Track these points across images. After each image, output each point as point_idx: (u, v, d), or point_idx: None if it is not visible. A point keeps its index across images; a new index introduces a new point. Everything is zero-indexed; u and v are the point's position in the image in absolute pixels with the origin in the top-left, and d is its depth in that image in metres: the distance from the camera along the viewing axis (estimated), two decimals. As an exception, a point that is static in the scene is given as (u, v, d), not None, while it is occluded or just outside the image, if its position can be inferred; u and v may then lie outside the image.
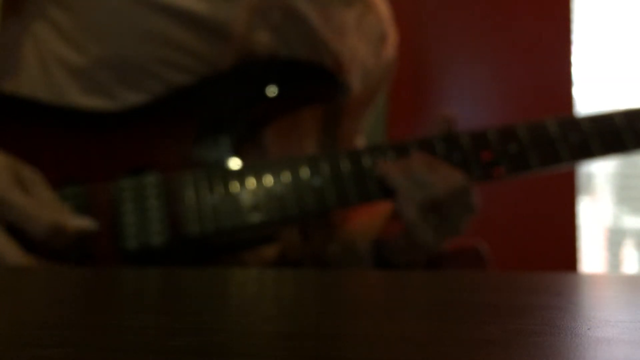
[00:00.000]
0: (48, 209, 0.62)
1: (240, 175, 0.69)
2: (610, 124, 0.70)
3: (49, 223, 0.61)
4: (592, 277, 0.53)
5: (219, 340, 0.23)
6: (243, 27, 0.73)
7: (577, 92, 1.51)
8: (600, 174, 2.11)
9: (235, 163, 0.70)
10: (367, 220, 0.80)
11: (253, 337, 0.24)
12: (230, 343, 0.22)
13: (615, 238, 2.19)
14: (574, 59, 1.53)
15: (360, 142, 0.87)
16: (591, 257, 2.10)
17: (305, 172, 0.69)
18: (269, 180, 0.68)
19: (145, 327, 0.25)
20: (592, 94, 1.86)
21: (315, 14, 0.77)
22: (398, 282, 0.48)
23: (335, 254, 0.81)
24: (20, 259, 0.60)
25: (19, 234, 0.61)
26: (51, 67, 0.74)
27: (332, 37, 0.78)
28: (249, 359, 0.20)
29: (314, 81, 0.76)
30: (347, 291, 0.41)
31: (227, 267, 0.69)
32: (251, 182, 0.68)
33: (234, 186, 0.68)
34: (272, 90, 0.73)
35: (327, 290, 0.41)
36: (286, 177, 0.68)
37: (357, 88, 0.81)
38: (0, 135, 0.69)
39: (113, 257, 0.67)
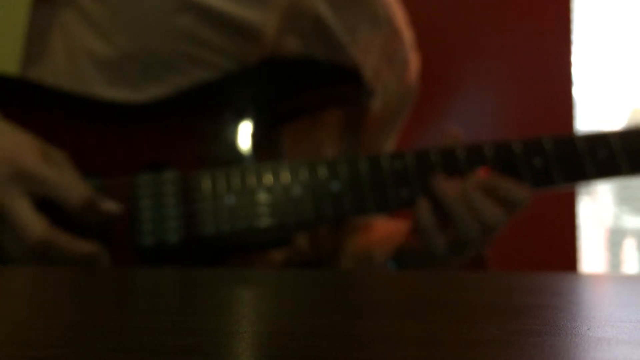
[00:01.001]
0: (80, 184, 0.64)
1: (258, 176, 0.68)
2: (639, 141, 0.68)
3: (82, 195, 0.63)
4: (592, 277, 0.53)
5: (219, 340, 0.23)
6: (273, 30, 0.74)
7: (577, 92, 1.51)
8: (600, 174, 2.11)
9: (253, 163, 0.70)
10: (386, 233, 0.79)
11: (254, 337, 0.24)
12: (230, 343, 0.22)
13: (616, 238, 2.19)
14: (574, 59, 1.53)
15: None
16: (591, 257, 2.10)
17: (323, 176, 0.68)
18: (286, 183, 0.68)
19: (145, 327, 0.25)
20: (595, 94, 1.86)
21: (343, 30, 0.77)
22: (398, 283, 0.48)
23: (349, 264, 0.80)
24: (44, 232, 0.61)
25: (46, 210, 0.63)
26: (78, 56, 0.75)
27: (357, 53, 0.78)
28: (249, 359, 0.20)
29: (337, 82, 0.76)
30: (348, 292, 0.41)
31: (231, 268, 0.69)
32: (269, 183, 0.68)
33: (251, 187, 0.68)
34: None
35: (329, 291, 0.41)
36: (304, 180, 0.68)
37: (377, 105, 0.81)
38: (22, 122, 0.69)
39: (129, 252, 0.67)
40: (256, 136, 0.72)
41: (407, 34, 0.86)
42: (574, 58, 1.53)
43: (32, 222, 0.61)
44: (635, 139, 0.68)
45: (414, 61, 0.86)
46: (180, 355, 0.20)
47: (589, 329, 0.25)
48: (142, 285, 0.45)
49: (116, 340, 0.23)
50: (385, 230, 0.80)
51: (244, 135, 0.71)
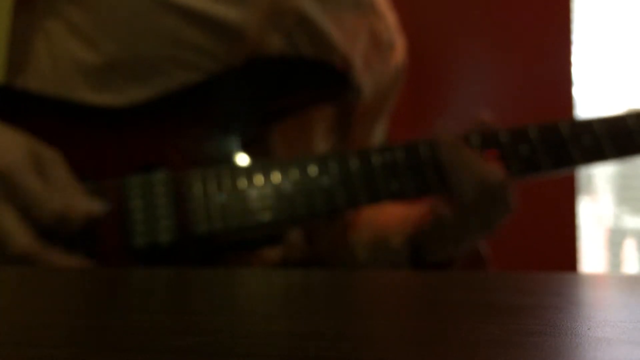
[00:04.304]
0: (59, 193, 0.63)
1: (248, 174, 0.68)
2: (623, 126, 0.69)
3: (55, 209, 0.62)
4: (592, 277, 0.53)
5: (219, 340, 0.23)
6: (256, 29, 0.74)
7: (577, 92, 1.51)
8: (600, 174, 2.11)
9: (243, 162, 0.70)
10: (400, 217, 0.79)
11: (253, 337, 0.24)
12: (230, 343, 0.22)
13: (616, 238, 2.19)
14: (574, 59, 1.53)
15: None
16: (591, 257, 2.10)
17: (314, 172, 0.68)
18: (277, 179, 0.68)
19: (146, 327, 0.25)
20: (592, 93, 1.86)
21: (327, 20, 0.77)
22: (398, 283, 0.48)
23: (366, 255, 0.80)
24: (29, 245, 0.60)
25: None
26: (62, 63, 0.75)
27: (344, 43, 0.78)
28: (249, 359, 0.20)
29: (324, 80, 0.76)
30: (347, 292, 0.41)
31: (230, 267, 0.69)
32: (260, 181, 0.68)
33: (243, 185, 0.68)
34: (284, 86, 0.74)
35: (328, 290, 0.41)
36: (295, 176, 0.68)
37: (368, 94, 0.81)
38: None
39: (121, 254, 0.67)
40: (246, 135, 0.72)
41: (391, 17, 0.86)
42: (574, 58, 1.53)
43: (15, 232, 0.60)
44: (618, 124, 0.69)
45: (400, 44, 0.86)
46: (180, 355, 0.20)
47: (589, 329, 0.25)
48: (140, 285, 0.45)
49: (116, 340, 0.23)
50: (398, 214, 0.80)
51: (234, 134, 0.71)
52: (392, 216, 0.80)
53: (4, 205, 0.61)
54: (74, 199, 0.64)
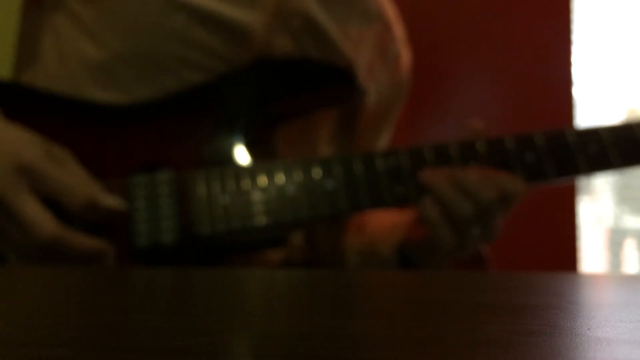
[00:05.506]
0: (83, 183, 0.64)
1: (252, 176, 0.68)
2: (630, 135, 0.68)
3: (85, 196, 0.63)
4: (592, 277, 0.53)
5: (219, 340, 0.23)
6: (263, 30, 0.74)
7: (577, 92, 1.51)
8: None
9: (247, 163, 0.70)
10: (389, 224, 0.79)
11: (253, 337, 0.24)
12: (230, 343, 0.22)
13: (616, 238, 2.19)
14: (574, 59, 1.53)
15: None
16: (591, 257, 2.10)
17: (318, 174, 0.68)
18: (281, 181, 0.68)
19: (146, 327, 0.25)
20: (592, 94, 1.86)
21: (334, 26, 0.77)
22: (397, 283, 0.48)
23: (356, 261, 0.80)
24: (55, 230, 0.61)
25: (53, 207, 0.63)
26: (69, 59, 0.75)
27: (348, 48, 0.78)
28: (249, 359, 0.20)
29: (330, 82, 0.76)
30: (347, 292, 0.41)
31: (230, 268, 0.69)
32: (263, 183, 0.68)
33: (246, 187, 0.68)
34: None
35: (329, 290, 0.41)
36: (299, 179, 0.68)
37: (372, 101, 0.81)
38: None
39: (125, 253, 0.67)
40: (250, 137, 0.72)
41: (399, 29, 0.86)
42: (574, 58, 1.53)
43: (41, 220, 0.61)
44: (625, 133, 0.68)
45: (405, 56, 0.86)
46: (180, 355, 0.20)
47: (589, 329, 0.25)
48: (141, 286, 0.45)
49: (116, 340, 0.23)
50: (388, 222, 0.80)
51: (238, 135, 0.71)
52: (381, 222, 0.81)
53: (27, 195, 0.62)
54: (98, 190, 0.65)
